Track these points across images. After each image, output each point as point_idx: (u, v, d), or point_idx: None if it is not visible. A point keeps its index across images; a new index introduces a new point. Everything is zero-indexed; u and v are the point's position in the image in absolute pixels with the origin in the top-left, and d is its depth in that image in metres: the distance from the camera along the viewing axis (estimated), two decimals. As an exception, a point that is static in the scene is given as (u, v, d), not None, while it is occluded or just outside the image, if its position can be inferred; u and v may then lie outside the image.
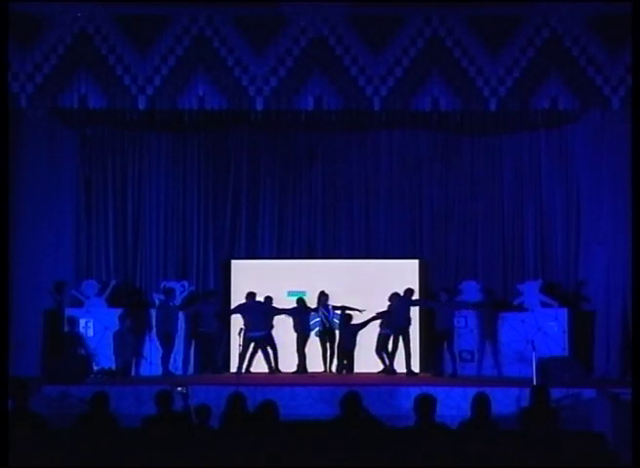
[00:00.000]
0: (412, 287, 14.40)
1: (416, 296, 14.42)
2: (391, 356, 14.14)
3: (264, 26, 12.27)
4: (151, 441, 6.83)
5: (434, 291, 14.66)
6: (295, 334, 14.37)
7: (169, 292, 14.40)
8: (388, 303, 14.17)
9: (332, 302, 14.49)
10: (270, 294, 14.35)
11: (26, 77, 12.20)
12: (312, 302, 14.51)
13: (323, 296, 14.46)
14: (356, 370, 14.21)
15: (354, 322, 14.27)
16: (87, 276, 14.96)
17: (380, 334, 14.16)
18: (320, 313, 14.44)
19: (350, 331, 14.20)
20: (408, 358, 14.05)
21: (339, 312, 14.50)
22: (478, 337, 14.38)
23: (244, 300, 14.29)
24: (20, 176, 13.73)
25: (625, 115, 12.39)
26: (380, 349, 14.14)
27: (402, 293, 14.21)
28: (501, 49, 12.25)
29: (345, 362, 14.21)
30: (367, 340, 14.26)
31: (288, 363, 14.29)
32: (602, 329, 14.03)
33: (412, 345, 14.14)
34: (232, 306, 14.53)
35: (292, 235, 15.54)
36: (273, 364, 14.20)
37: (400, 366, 14.11)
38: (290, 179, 15.47)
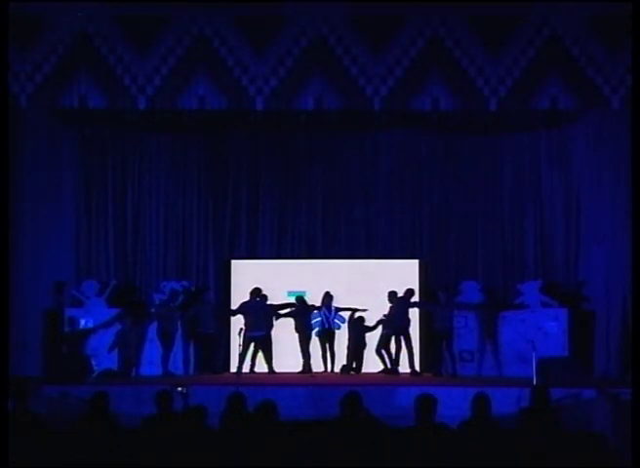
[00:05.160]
0: (412, 288, 14.40)
1: (416, 297, 14.42)
2: (395, 356, 14.14)
3: (264, 26, 12.25)
4: (151, 441, 6.84)
5: (433, 290, 14.66)
6: (296, 334, 14.38)
7: (172, 294, 14.41)
8: (389, 304, 14.19)
9: (334, 303, 14.50)
10: (265, 293, 14.30)
11: (26, 77, 12.18)
12: (313, 302, 14.51)
13: (327, 297, 14.47)
14: (356, 369, 14.25)
15: (366, 324, 14.29)
16: (87, 276, 14.96)
17: (382, 334, 14.17)
18: (322, 313, 14.46)
19: (361, 333, 14.21)
20: (411, 358, 14.06)
21: (342, 314, 14.52)
22: (478, 337, 14.39)
23: (248, 297, 14.26)
24: (21, 177, 13.71)
25: (625, 115, 12.38)
26: (381, 349, 14.15)
27: (402, 294, 14.21)
28: (501, 49, 12.24)
29: (355, 363, 14.20)
30: (369, 340, 14.27)
31: (288, 363, 14.29)
32: (602, 329, 14.01)
33: (414, 345, 14.17)
34: (236, 306, 14.49)
35: (292, 235, 15.54)
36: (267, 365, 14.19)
37: (403, 366, 14.11)
38: (290, 179, 15.47)
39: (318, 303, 14.51)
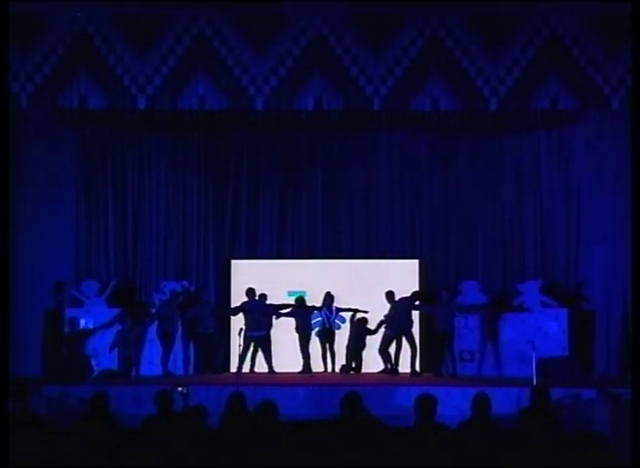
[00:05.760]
0: (418, 290, 14.41)
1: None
2: (395, 357, 14.14)
3: (264, 26, 12.25)
4: (151, 441, 6.84)
5: (435, 290, 14.66)
6: (296, 334, 14.38)
7: (173, 294, 14.41)
8: (389, 305, 14.18)
9: (335, 304, 14.50)
10: (265, 292, 14.29)
11: (26, 77, 12.18)
12: (313, 302, 14.52)
13: (329, 297, 14.47)
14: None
15: (368, 326, 14.29)
16: (87, 276, 14.96)
17: (384, 335, 14.16)
18: (323, 313, 14.46)
19: (362, 334, 14.21)
20: (413, 358, 14.05)
21: (343, 314, 14.52)
22: (479, 337, 14.38)
23: (245, 298, 14.27)
24: (21, 177, 13.73)
25: (625, 115, 12.39)
26: (383, 349, 14.14)
27: (408, 295, 14.18)
28: (501, 49, 12.24)
29: (354, 363, 14.21)
30: (369, 340, 14.28)
31: (288, 363, 14.29)
32: (602, 329, 14.01)
33: (417, 345, 14.18)
34: (234, 305, 14.47)
35: (292, 235, 15.54)
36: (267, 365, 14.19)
37: (404, 366, 14.10)
38: (290, 179, 15.47)
39: (318, 303, 14.51)
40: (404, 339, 14.07)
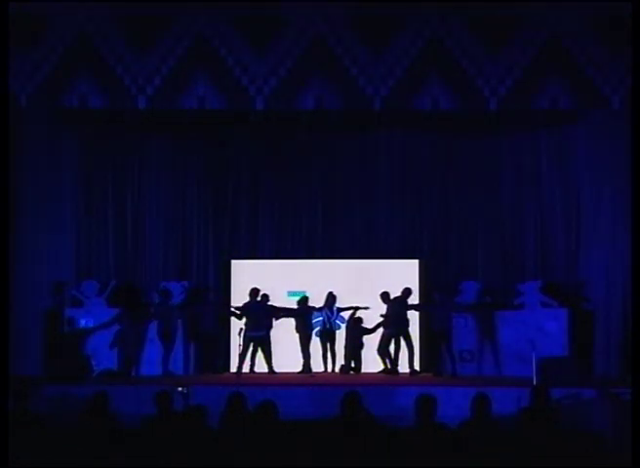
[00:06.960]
0: (409, 287, 14.40)
1: (414, 297, 14.41)
2: (395, 357, 14.14)
3: (264, 26, 12.25)
4: (151, 441, 6.84)
5: (430, 291, 14.66)
6: (297, 334, 14.37)
7: (165, 294, 14.42)
8: (385, 305, 14.17)
9: (337, 304, 14.50)
10: (267, 292, 14.29)
11: (26, 77, 12.18)
12: (313, 302, 14.52)
13: (331, 298, 14.46)
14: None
15: (364, 324, 14.28)
16: (87, 276, 14.97)
17: (383, 334, 14.17)
18: (324, 313, 14.46)
19: (358, 333, 14.21)
20: (411, 357, 14.07)
21: (343, 315, 14.51)
22: (477, 337, 14.38)
23: (248, 298, 14.25)
24: (21, 177, 13.72)
25: (625, 115, 12.38)
26: (382, 348, 14.15)
27: (399, 294, 14.22)
28: (501, 49, 12.23)
29: (353, 363, 14.21)
30: (368, 340, 14.28)
31: (288, 363, 14.29)
32: (602, 329, 14.01)
33: (414, 345, 14.18)
34: (238, 306, 14.41)
35: (292, 235, 15.55)
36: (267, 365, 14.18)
37: (403, 365, 14.11)
38: (290, 179, 15.47)
39: (319, 303, 14.50)
40: (402, 339, 14.08)
